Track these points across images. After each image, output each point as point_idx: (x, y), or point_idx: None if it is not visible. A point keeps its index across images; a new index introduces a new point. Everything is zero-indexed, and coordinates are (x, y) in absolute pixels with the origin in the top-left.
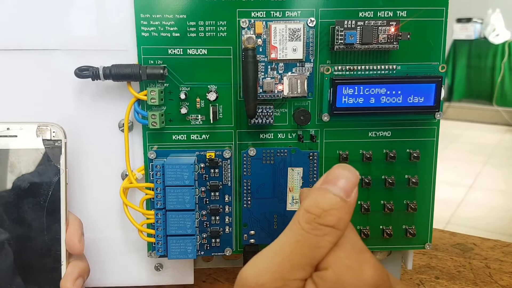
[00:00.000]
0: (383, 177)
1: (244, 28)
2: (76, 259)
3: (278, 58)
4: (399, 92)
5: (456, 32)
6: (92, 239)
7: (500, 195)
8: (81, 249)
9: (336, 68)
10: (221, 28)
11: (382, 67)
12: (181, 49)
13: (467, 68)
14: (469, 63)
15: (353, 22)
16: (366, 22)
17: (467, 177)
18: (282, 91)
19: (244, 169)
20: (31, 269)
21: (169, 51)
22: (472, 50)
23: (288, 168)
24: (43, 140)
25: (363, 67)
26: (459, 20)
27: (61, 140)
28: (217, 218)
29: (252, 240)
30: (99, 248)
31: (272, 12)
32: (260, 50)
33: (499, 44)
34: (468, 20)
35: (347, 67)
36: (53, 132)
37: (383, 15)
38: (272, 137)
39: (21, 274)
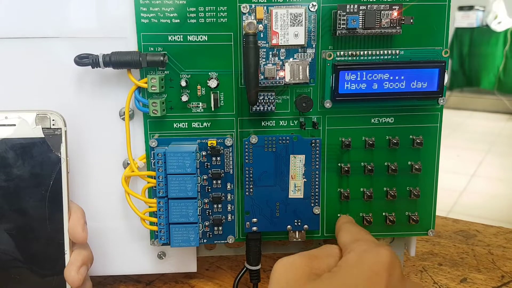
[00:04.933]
0: (386, 163)
1: (244, 14)
2: (80, 247)
3: (280, 44)
4: (402, 77)
5: (458, 20)
6: (94, 228)
7: (502, 183)
8: (85, 238)
9: (338, 53)
10: (221, 13)
11: (385, 52)
12: (181, 36)
13: (469, 56)
14: (471, 51)
15: (355, 6)
16: (368, 6)
17: (469, 165)
18: (284, 77)
19: (246, 157)
20: (34, 258)
21: (169, 38)
22: (474, 38)
23: (290, 155)
24: (42, 128)
25: (365, 52)
26: (461, 8)
27: (61, 128)
28: (219, 206)
29: (254, 228)
30: (102, 237)
31: None
32: (261, 35)
33: (501, 32)
34: (470, 7)
35: (350, 52)
36: (53, 120)
37: None
38: (274, 125)
39: (24, 264)
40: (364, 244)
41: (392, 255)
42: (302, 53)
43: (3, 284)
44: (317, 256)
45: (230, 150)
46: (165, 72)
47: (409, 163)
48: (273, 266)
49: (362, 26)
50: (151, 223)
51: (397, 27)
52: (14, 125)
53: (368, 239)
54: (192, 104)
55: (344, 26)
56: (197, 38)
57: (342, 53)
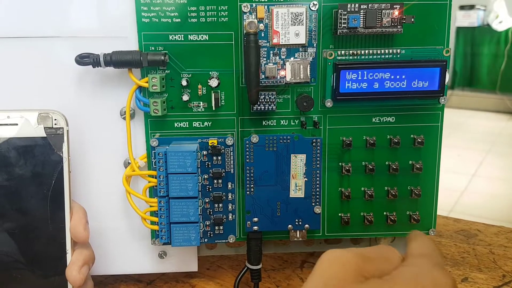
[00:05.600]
0: (387, 163)
1: (245, 13)
2: (81, 247)
3: (281, 43)
4: (403, 76)
5: (459, 19)
6: (95, 228)
7: (503, 183)
8: (87, 237)
9: (339, 52)
10: (222, 13)
11: (386, 51)
12: (182, 35)
13: (470, 55)
14: (472, 51)
15: (356, 5)
16: (369, 5)
17: (470, 165)
18: (285, 76)
19: (247, 156)
20: (36, 258)
21: (170, 37)
22: (475, 38)
23: (291, 154)
24: (44, 128)
25: (366, 51)
26: (462, 7)
27: (63, 128)
28: (220, 205)
29: (255, 227)
30: (103, 236)
31: None
32: (262, 35)
33: (502, 31)
34: (471, 7)
35: (351, 51)
36: (55, 119)
37: None
38: (274, 124)
39: (26, 263)
40: (429, 263)
41: (453, 284)
42: (303, 52)
43: (4, 283)
44: (371, 258)
45: (231, 150)
46: (166, 71)
47: (410, 162)
48: (321, 256)
49: (363, 25)
50: (152, 223)
51: (398, 26)
52: (16, 124)
53: (437, 261)
54: (193, 103)
55: (345, 25)
56: (198, 38)
57: (343, 52)
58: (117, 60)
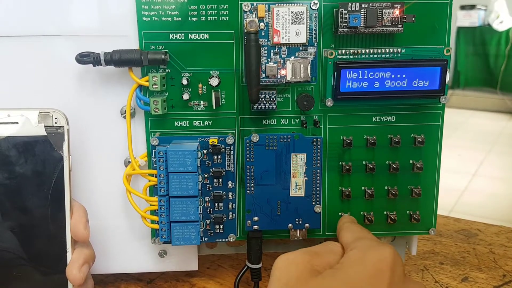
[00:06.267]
0: (387, 162)
1: (246, 12)
2: (82, 246)
3: (281, 42)
4: (404, 76)
5: (460, 19)
6: (96, 227)
7: (503, 182)
8: (87, 236)
9: (340, 52)
10: (223, 12)
11: (387, 50)
12: (183, 34)
13: (471, 55)
14: (473, 51)
15: (357, 4)
16: (370, 4)
17: (470, 165)
18: (285, 76)
19: (247, 155)
20: (36, 256)
21: (171, 36)
22: (476, 38)
23: (292, 154)
24: (45, 126)
25: (367, 50)
26: (463, 7)
27: (63, 126)
28: (221, 204)
29: (255, 226)
30: (103, 235)
31: None
32: (263, 34)
33: (503, 31)
34: (472, 7)
35: (351, 50)
36: (55, 118)
37: None
38: (275, 123)
39: (26, 262)
40: (367, 242)
41: (394, 253)
42: (304, 52)
43: (5, 282)
44: (318, 253)
45: (231, 149)
46: (167, 70)
47: (411, 161)
48: (274, 262)
49: (364, 24)
50: (152, 222)
51: (399, 26)
52: (17, 123)
53: (371, 237)
54: (194, 102)
55: (346, 24)
56: (199, 36)
57: (343, 51)
58: (118, 59)
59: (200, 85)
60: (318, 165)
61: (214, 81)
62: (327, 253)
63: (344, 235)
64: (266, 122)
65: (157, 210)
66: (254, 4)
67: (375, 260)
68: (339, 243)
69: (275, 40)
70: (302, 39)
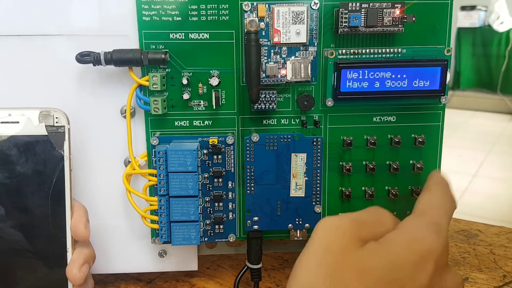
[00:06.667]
0: (387, 162)
1: (246, 11)
2: (82, 245)
3: (281, 42)
4: (404, 76)
5: (460, 20)
6: (95, 226)
7: (504, 183)
8: (87, 236)
9: (340, 51)
10: (223, 11)
11: (387, 50)
12: (183, 34)
13: (471, 56)
14: (473, 51)
15: (358, 4)
16: (370, 4)
17: (471, 165)
18: (286, 75)
19: (247, 155)
20: (36, 256)
21: (171, 36)
22: (476, 38)
23: (292, 154)
24: (46, 126)
25: (367, 50)
26: (463, 8)
27: (64, 126)
28: (221, 204)
29: (255, 226)
30: (103, 235)
31: None
32: (263, 33)
33: (504, 32)
34: (472, 7)
35: (352, 50)
36: (56, 118)
37: None
38: (275, 123)
39: (26, 261)
40: (422, 225)
41: (445, 244)
42: (304, 51)
43: (4, 281)
44: (366, 223)
45: (232, 149)
46: (167, 70)
47: (411, 162)
48: (317, 224)
49: (364, 24)
50: (152, 221)
51: (399, 26)
52: (18, 122)
53: (435, 221)
54: (194, 102)
55: (346, 24)
56: (199, 36)
57: (344, 51)
58: (118, 59)
59: (200, 84)
60: (318, 165)
61: (214, 81)
62: (374, 224)
63: (422, 198)
64: (266, 122)
65: (157, 210)
66: (255, 3)
67: (424, 249)
68: (390, 213)
69: (276, 40)
70: (303, 39)
